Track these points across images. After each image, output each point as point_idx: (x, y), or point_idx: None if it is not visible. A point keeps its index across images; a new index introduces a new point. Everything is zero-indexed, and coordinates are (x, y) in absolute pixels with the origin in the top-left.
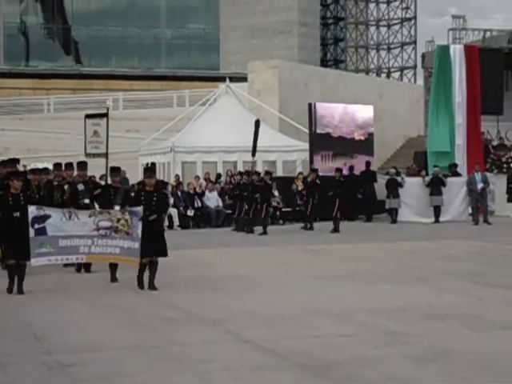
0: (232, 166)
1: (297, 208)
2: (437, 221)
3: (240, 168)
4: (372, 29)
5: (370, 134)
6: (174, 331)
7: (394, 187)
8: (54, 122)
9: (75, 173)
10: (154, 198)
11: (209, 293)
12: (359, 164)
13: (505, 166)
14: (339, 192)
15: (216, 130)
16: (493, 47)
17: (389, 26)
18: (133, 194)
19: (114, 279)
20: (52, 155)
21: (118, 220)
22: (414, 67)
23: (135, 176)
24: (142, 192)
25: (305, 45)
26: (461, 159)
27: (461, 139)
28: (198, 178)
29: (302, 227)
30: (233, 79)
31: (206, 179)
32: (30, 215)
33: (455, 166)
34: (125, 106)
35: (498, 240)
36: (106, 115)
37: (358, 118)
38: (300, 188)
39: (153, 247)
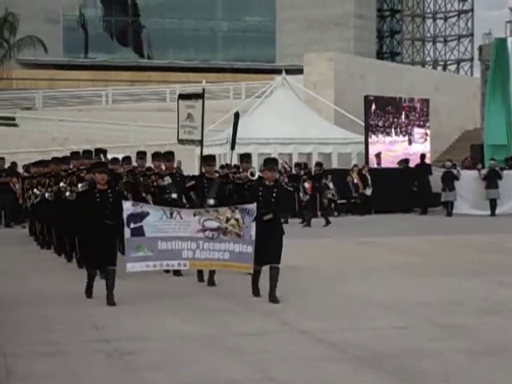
0: (287, 157)
1: (352, 200)
2: (493, 214)
3: (296, 160)
4: (428, 21)
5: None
6: (229, 321)
7: (449, 180)
8: (111, 113)
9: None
10: (274, 194)
11: (264, 283)
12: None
13: None
14: (318, 186)
15: (272, 122)
16: None
17: (445, 19)
18: (230, 186)
19: (204, 280)
20: (110, 146)
21: (228, 219)
22: (471, 60)
23: (192, 167)
24: (260, 187)
25: (361, 37)
26: None
27: None
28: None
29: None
30: (289, 71)
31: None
32: (125, 213)
33: None
34: None
35: None
36: (201, 96)
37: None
38: (355, 180)
39: (266, 253)
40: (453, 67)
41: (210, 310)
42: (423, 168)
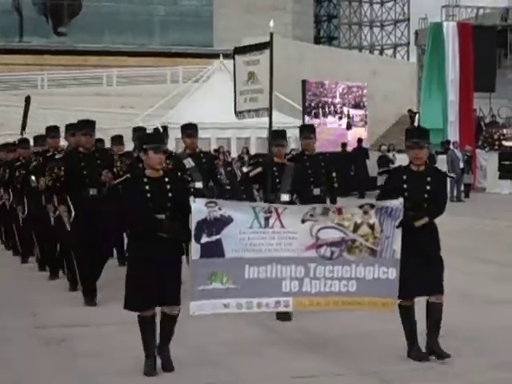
0: (225, 142)
1: None
2: None
3: (234, 145)
4: (365, 6)
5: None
6: None
7: (385, 164)
8: (48, 97)
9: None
10: (428, 186)
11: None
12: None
13: (496, 143)
14: None
15: (209, 107)
16: (486, 25)
17: (382, 3)
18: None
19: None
20: None
21: (356, 226)
22: (407, 44)
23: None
24: (404, 175)
25: (299, 22)
26: (453, 136)
27: (453, 116)
28: None
29: None
30: (226, 56)
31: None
32: (195, 217)
33: (448, 142)
34: (119, 83)
35: (488, 216)
36: (268, 45)
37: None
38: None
39: (425, 279)
40: (390, 52)
41: None
42: (360, 152)
